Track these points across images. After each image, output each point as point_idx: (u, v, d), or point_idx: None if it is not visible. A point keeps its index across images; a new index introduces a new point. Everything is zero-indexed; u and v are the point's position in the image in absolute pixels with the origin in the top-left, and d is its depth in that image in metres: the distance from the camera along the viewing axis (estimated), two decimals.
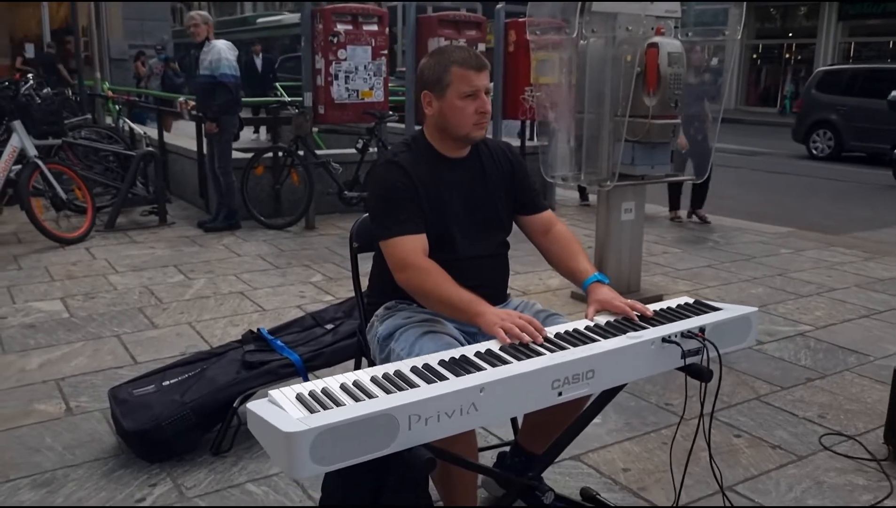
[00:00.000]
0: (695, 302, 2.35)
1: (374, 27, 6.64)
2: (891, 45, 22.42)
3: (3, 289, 4.92)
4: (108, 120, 9.99)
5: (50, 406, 3.29)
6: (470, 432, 2.12)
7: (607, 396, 2.24)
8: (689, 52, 6.10)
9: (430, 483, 2.16)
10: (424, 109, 2.32)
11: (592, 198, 7.74)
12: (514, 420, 2.68)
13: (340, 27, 6.48)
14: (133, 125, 8.17)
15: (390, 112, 6.92)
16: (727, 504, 2.32)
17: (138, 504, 2.57)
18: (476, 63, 2.22)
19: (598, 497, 2.58)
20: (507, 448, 2.65)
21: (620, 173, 4.43)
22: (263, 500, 2.61)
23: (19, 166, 6.05)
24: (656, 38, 4.27)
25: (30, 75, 6.75)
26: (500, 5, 7.32)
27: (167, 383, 3.03)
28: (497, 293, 2.40)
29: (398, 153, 2.33)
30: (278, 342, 3.24)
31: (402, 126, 7.47)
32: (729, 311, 2.26)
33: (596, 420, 3.12)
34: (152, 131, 8.41)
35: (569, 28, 4.35)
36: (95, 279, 5.18)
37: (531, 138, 8.36)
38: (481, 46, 7.10)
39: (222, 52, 6.28)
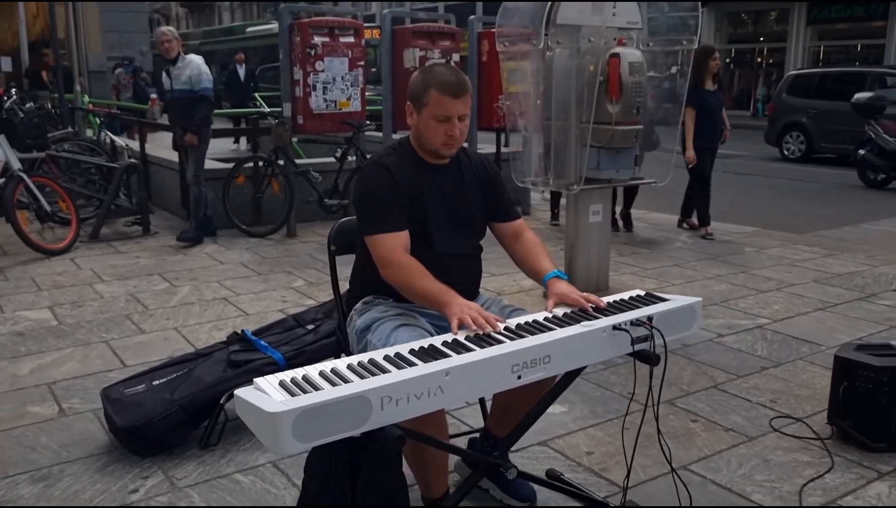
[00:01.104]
0: (646, 294, 2.56)
1: (351, 39, 6.84)
2: (859, 49, 22.91)
3: None
4: (90, 133, 10.11)
5: (43, 409, 3.44)
6: (440, 416, 2.32)
7: (566, 381, 2.45)
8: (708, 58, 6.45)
9: (405, 465, 2.35)
10: (407, 118, 2.52)
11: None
12: (483, 408, 2.88)
13: (317, 39, 6.67)
14: (114, 137, 8.30)
15: (368, 122, 7.11)
16: (676, 480, 2.51)
17: (132, 495, 2.74)
18: (455, 90, 2.37)
19: (562, 477, 2.78)
20: (477, 435, 2.84)
21: (587, 178, 4.64)
22: (251, 488, 2.78)
23: (3, 180, 6.18)
24: (618, 49, 4.49)
25: (13, 90, 6.88)
26: (473, 16, 7.54)
27: (157, 382, 3.20)
28: (470, 291, 2.59)
29: (385, 156, 2.53)
30: (262, 343, 3.42)
31: (380, 134, 7.66)
32: (675, 301, 2.48)
33: (563, 409, 3.36)
34: (130, 143, 8.55)
35: (536, 39, 4.56)
36: (82, 288, 5.32)
37: (506, 145, 8.57)
38: (455, 56, 7.31)
39: (201, 66, 6.49)
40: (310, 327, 3.58)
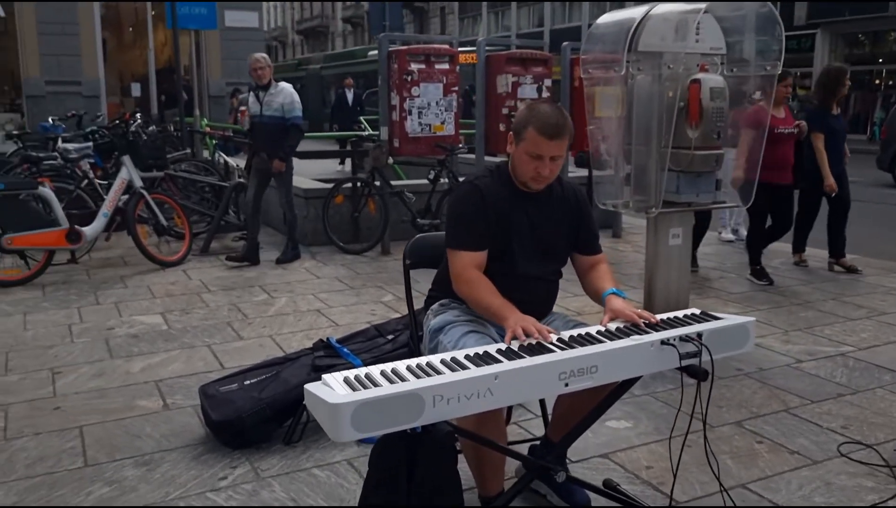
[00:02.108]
0: (700, 313, 2.65)
1: (446, 66, 7.12)
2: None
3: (112, 305, 5.56)
4: (206, 154, 10.80)
5: (150, 403, 3.81)
6: (498, 419, 2.48)
7: (619, 392, 2.58)
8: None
9: (461, 462, 2.53)
10: (507, 146, 2.72)
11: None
12: (545, 416, 3.02)
13: (414, 66, 6.98)
14: (227, 158, 8.87)
15: (460, 145, 7.36)
16: (724, 494, 2.58)
17: (221, 482, 3.02)
18: (551, 133, 2.55)
19: (618, 487, 2.88)
20: (538, 443, 2.99)
21: (666, 201, 4.71)
22: (326, 482, 3.02)
23: (127, 197, 6.76)
24: (699, 75, 4.54)
25: (138, 115, 7.51)
26: (565, 43, 7.70)
27: (248, 382, 3.50)
28: (543, 310, 2.76)
29: (480, 177, 2.76)
30: (344, 350, 3.68)
31: (473, 157, 7.89)
32: (728, 320, 2.56)
33: (628, 425, 3.45)
34: (241, 163, 9.11)
35: (618, 66, 4.68)
36: (191, 297, 5.77)
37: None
38: (547, 82, 7.47)
39: (293, 95, 6.74)
40: (389, 337, 3.81)
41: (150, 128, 7.39)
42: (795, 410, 3.66)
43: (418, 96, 7.05)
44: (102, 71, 18.63)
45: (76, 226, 6.38)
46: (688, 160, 4.58)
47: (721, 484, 2.59)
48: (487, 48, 7.58)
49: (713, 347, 2.45)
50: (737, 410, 3.66)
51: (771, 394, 3.85)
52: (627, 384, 2.56)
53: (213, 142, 9.87)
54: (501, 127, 7.34)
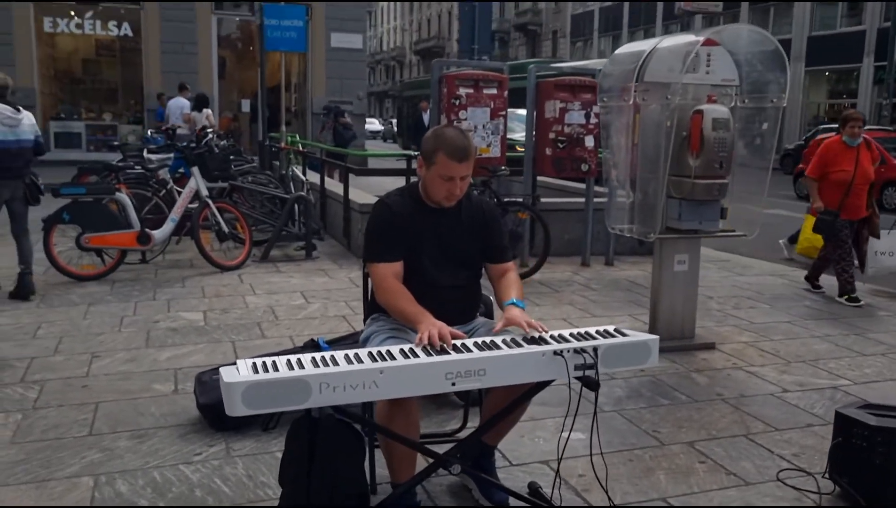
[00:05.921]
0: (614, 329, 2.83)
1: (494, 91, 7.40)
2: None
3: (164, 301, 6.12)
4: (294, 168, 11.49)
5: (163, 387, 4.26)
6: (408, 414, 2.72)
7: (526, 397, 2.80)
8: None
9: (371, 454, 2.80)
10: (417, 169, 3.01)
11: None
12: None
13: (462, 91, 7.30)
14: (298, 173, 9.45)
15: (503, 167, 7.59)
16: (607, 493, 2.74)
17: (195, 457, 3.41)
18: (460, 156, 2.82)
19: (539, 490, 3.07)
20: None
21: (669, 227, 4.82)
22: None
23: (195, 205, 7.38)
24: (703, 106, 4.66)
25: (209, 131, 8.17)
26: None
27: None
28: (464, 314, 3.02)
29: (390, 196, 3.05)
30: (328, 349, 4.01)
31: (521, 179, 8.13)
32: (631, 337, 2.73)
33: (581, 437, 3.62)
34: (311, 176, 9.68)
35: (627, 96, 4.86)
36: (235, 299, 6.26)
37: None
38: (595, 108, 7.62)
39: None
40: None
41: (222, 142, 8.03)
42: (755, 436, 3.72)
43: (465, 120, 7.36)
44: (217, 87, 19.96)
45: (147, 229, 7.02)
46: (689, 188, 4.70)
47: (604, 486, 2.75)
48: (538, 75, 7.82)
49: (611, 361, 2.65)
50: (696, 431, 3.76)
51: (738, 419, 3.91)
52: (534, 391, 2.78)
53: (290, 156, 10.50)
54: (548, 151, 7.56)
